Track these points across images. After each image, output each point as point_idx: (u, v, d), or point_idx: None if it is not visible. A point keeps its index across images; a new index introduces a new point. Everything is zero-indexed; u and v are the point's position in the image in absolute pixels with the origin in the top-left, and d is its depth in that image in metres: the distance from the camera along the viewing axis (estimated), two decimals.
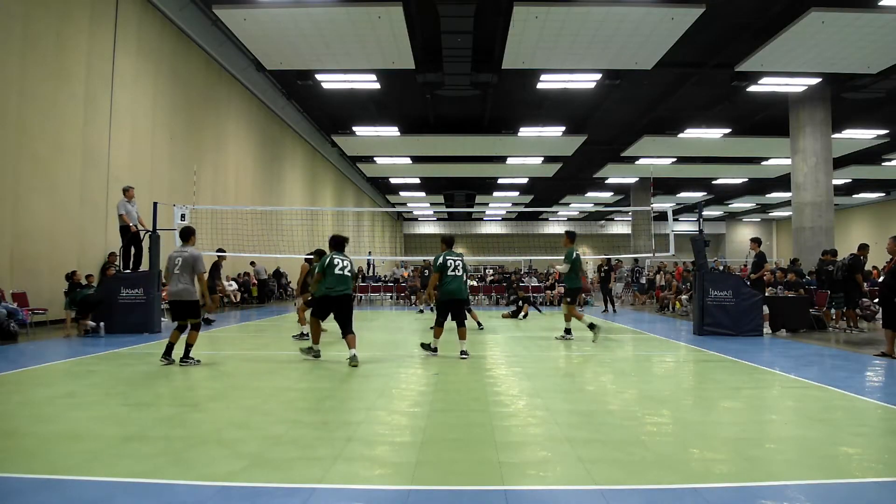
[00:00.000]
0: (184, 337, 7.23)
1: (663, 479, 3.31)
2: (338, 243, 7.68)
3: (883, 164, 27.02)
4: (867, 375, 6.91)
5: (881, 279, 8.29)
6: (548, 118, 20.91)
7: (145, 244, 11.17)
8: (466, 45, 14.06)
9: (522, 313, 15.02)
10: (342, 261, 7.44)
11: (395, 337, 10.69)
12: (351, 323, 7.43)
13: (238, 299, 18.24)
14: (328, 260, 7.42)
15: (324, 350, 7.88)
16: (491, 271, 28.94)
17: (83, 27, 11.61)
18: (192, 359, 7.15)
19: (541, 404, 5.17)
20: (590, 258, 30.48)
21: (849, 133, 21.41)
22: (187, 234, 7.45)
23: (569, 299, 10.19)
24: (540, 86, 16.79)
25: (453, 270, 7.96)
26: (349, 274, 7.43)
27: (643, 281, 23.45)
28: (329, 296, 7.33)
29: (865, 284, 12.08)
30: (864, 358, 8.08)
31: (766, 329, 11.06)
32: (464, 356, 7.80)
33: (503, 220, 51.53)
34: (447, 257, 8.02)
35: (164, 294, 12.45)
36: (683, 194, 36.29)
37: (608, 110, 20.44)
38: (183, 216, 11.31)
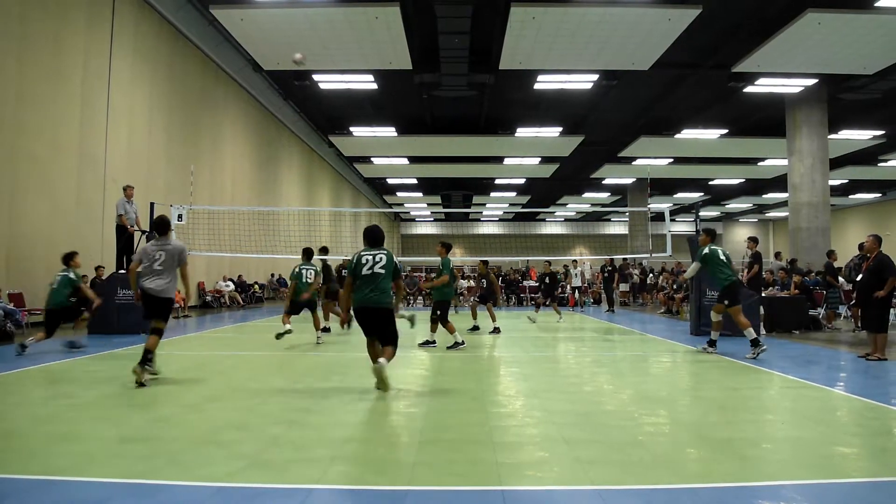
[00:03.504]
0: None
1: (661, 479, 3.32)
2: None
3: (879, 164, 27.11)
4: (863, 375, 6.93)
5: (859, 278, 8.18)
6: (545, 119, 20.93)
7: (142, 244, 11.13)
8: (463, 46, 14.05)
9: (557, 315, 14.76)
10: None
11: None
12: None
13: (233, 301, 18.21)
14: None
15: (322, 350, 7.85)
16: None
17: (80, 28, 11.58)
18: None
19: (538, 405, 5.17)
20: (587, 258, 30.50)
21: (845, 134, 21.47)
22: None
23: (439, 312, 9.11)
24: (537, 86, 16.81)
25: None
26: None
27: (635, 280, 23.40)
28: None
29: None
30: (860, 358, 8.10)
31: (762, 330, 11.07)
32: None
33: (500, 220, 51.52)
34: None
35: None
36: (680, 195, 36.34)
37: (605, 111, 20.45)
38: (180, 216, 11.28)
